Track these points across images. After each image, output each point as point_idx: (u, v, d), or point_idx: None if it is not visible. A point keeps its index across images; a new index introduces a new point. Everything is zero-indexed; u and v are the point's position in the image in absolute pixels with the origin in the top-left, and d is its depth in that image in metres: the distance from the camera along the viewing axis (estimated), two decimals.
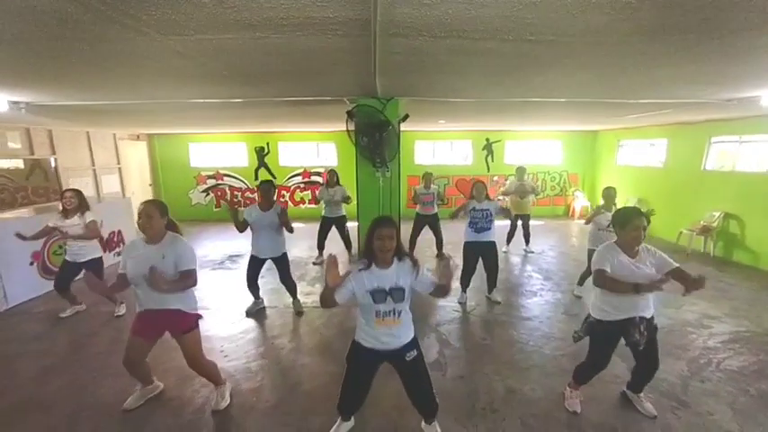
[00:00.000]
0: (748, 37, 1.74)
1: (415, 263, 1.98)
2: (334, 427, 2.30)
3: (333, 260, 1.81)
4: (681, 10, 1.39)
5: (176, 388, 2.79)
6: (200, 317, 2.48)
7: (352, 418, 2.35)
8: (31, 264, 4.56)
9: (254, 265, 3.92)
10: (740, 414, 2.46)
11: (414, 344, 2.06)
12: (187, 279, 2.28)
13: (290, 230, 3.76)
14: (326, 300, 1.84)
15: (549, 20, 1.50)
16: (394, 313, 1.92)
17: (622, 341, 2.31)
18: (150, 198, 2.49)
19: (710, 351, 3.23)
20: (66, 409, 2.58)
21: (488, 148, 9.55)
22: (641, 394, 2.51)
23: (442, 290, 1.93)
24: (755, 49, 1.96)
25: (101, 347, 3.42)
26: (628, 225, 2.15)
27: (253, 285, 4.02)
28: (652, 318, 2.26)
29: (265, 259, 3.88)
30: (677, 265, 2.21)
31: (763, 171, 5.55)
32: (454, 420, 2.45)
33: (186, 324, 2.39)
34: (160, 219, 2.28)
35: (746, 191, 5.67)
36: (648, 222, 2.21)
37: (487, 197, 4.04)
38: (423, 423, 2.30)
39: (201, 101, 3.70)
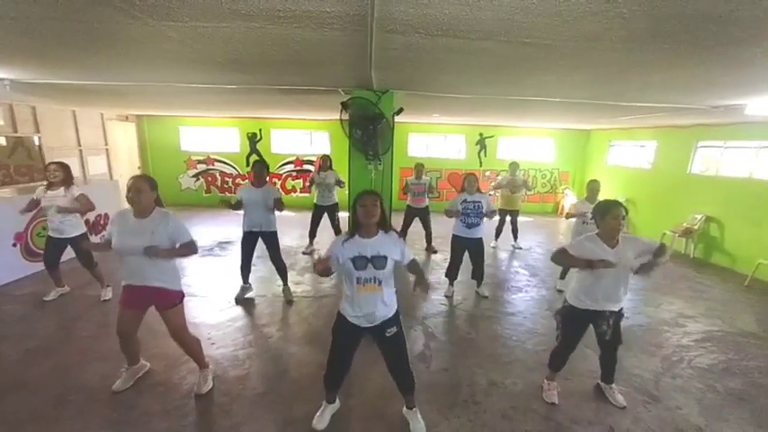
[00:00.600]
0: (734, 49, 1.79)
1: (399, 235, 2.09)
2: (320, 410, 2.37)
3: (321, 261, 1.93)
4: (670, 22, 1.42)
5: (163, 373, 2.81)
6: (182, 295, 2.52)
7: (337, 400, 2.43)
8: (14, 245, 4.47)
9: (248, 242, 3.95)
10: (707, 409, 2.60)
11: (394, 320, 2.15)
12: (189, 248, 2.41)
13: (280, 209, 3.83)
14: (321, 272, 1.95)
15: (543, 25, 1.52)
16: (374, 280, 2.00)
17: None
18: (140, 174, 2.49)
19: (683, 349, 3.37)
20: (51, 392, 2.58)
21: (481, 143, 9.59)
22: (613, 385, 2.65)
23: (417, 281, 2.04)
24: (741, 61, 2.02)
25: (86, 331, 3.40)
26: (607, 215, 2.25)
27: (246, 267, 4.03)
28: (620, 310, 2.46)
29: (258, 234, 3.90)
30: (660, 242, 2.36)
31: (745, 176, 5.72)
32: (437, 411, 2.53)
33: (169, 301, 2.44)
34: (150, 192, 2.30)
35: (728, 195, 5.85)
36: (627, 212, 2.33)
37: (479, 190, 4.09)
38: (404, 408, 2.38)
39: (193, 86, 3.63)
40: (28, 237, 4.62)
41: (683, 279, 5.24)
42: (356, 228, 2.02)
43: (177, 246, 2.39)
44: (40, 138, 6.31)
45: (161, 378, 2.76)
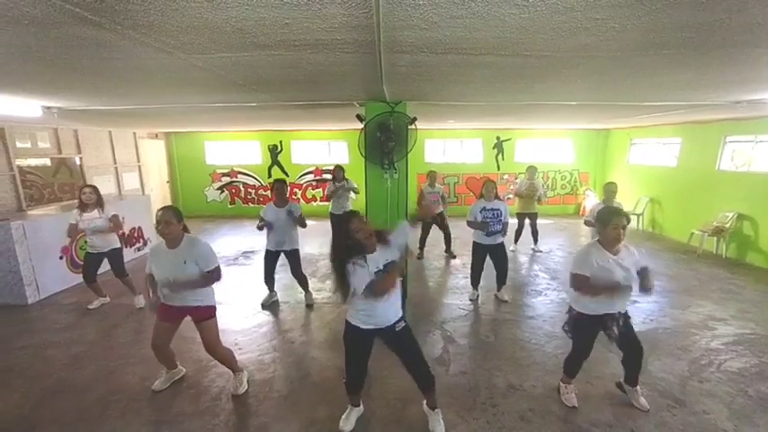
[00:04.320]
0: (733, 51, 1.79)
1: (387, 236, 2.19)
2: (345, 413, 2.46)
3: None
4: (663, 31, 1.46)
5: (194, 376, 3.00)
6: (215, 309, 2.69)
7: (362, 404, 2.52)
8: (61, 258, 4.85)
9: (270, 259, 4.17)
10: (736, 414, 2.52)
11: (401, 317, 2.25)
12: (212, 276, 2.54)
13: (303, 226, 4.05)
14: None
15: (540, 40, 1.59)
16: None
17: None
18: (167, 204, 2.68)
19: (712, 352, 3.27)
20: (96, 393, 2.81)
21: (498, 146, 9.55)
22: (637, 387, 2.60)
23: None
24: (746, 62, 2.01)
25: (125, 337, 3.66)
26: (608, 225, 2.26)
27: (269, 279, 4.27)
28: (626, 311, 2.44)
29: (279, 253, 4.10)
30: (645, 264, 2.34)
31: None
32: (455, 413, 2.58)
33: (204, 314, 2.62)
34: (177, 224, 2.47)
35: (761, 191, 5.59)
36: (628, 222, 2.32)
37: (497, 197, 4.10)
38: (425, 407, 2.44)
39: (217, 105, 3.88)
40: (72, 250, 5.00)
41: (713, 280, 5.04)
42: (358, 250, 2.05)
43: (203, 270, 2.50)
44: (81, 158, 6.81)
45: (192, 381, 2.95)
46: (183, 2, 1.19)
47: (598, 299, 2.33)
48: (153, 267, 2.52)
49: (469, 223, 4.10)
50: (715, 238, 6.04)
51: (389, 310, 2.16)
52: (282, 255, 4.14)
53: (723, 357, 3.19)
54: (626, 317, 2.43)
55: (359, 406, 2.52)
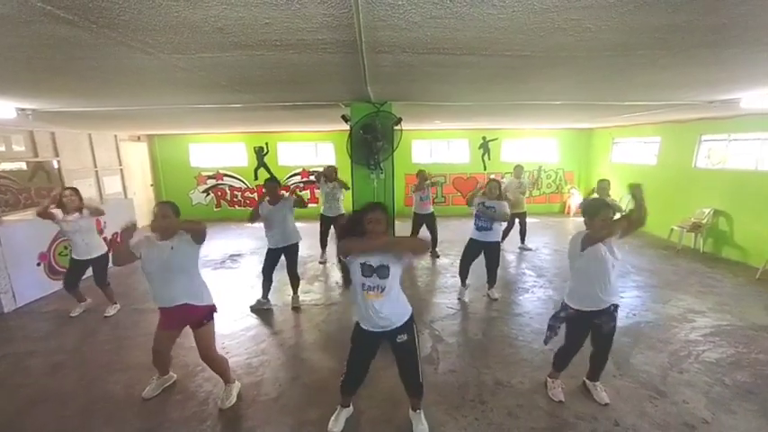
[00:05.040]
0: (708, 52, 1.86)
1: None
2: (335, 414, 2.45)
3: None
4: (636, 32, 1.52)
5: (181, 382, 2.94)
6: (213, 308, 2.63)
7: (351, 405, 2.51)
8: (38, 264, 4.70)
9: (271, 257, 4.12)
10: (714, 402, 2.61)
11: (405, 328, 2.21)
12: (199, 223, 2.47)
13: (303, 206, 4.13)
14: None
15: (519, 40, 1.63)
16: (378, 288, 2.09)
17: None
18: (164, 199, 2.63)
19: (691, 344, 3.37)
20: (79, 402, 2.73)
21: (485, 146, 9.66)
22: (598, 383, 2.68)
23: None
24: (722, 62, 2.09)
25: (107, 345, 3.57)
26: (596, 217, 2.31)
27: (267, 279, 4.19)
28: (617, 305, 2.47)
29: (281, 250, 4.08)
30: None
31: (752, 168, 5.67)
32: (444, 411, 2.59)
33: (200, 315, 2.55)
34: (173, 217, 2.43)
35: (735, 188, 5.80)
36: (614, 213, 2.37)
37: (498, 197, 4.10)
38: (410, 411, 2.45)
39: (200, 106, 3.83)
40: (51, 256, 4.85)
41: (692, 274, 5.21)
42: (362, 236, 2.07)
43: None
44: (59, 161, 6.62)
45: (179, 387, 2.89)
46: (159, 0, 1.17)
47: (588, 293, 2.39)
48: (142, 255, 2.41)
49: (468, 199, 4.32)
50: (693, 234, 6.23)
51: (375, 309, 2.12)
52: (283, 255, 4.11)
53: (701, 348, 3.30)
54: (614, 310, 2.45)
55: (348, 407, 2.51)
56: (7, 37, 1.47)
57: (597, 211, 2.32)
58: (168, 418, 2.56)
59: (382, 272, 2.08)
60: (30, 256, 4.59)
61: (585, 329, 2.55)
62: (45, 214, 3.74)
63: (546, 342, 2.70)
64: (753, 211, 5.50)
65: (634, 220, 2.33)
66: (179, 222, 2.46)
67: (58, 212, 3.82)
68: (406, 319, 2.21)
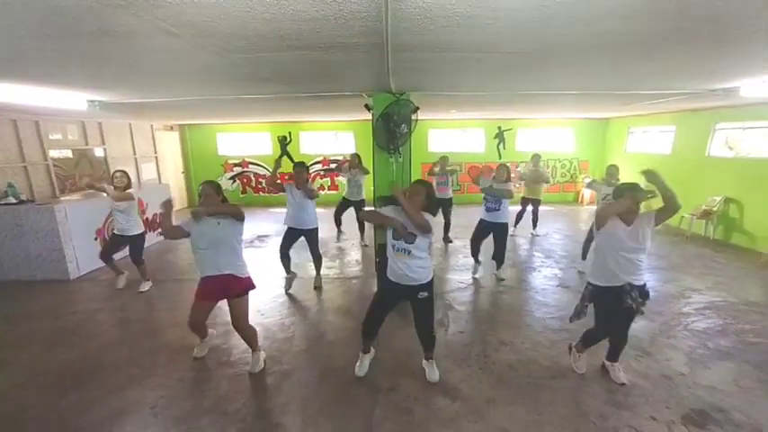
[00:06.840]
0: (699, 47, 2.14)
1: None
2: (359, 360, 2.89)
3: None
4: (631, 35, 1.82)
5: (221, 336, 3.42)
6: (251, 283, 2.86)
7: (372, 349, 2.94)
8: (95, 239, 5.33)
9: (288, 237, 4.35)
10: (693, 361, 2.93)
11: (427, 287, 2.60)
12: (237, 208, 2.79)
13: (312, 196, 4.26)
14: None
15: (517, 39, 1.96)
16: (405, 251, 2.50)
17: None
18: (208, 180, 2.97)
19: (683, 316, 3.66)
20: (145, 347, 3.28)
21: (500, 136, 9.77)
22: (616, 364, 2.75)
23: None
24: (721, 56, 2.35)
25: (161, 306, 4.13)
26: (623, 197, 2.42)
27: (285, 257, 4.40)
28: (644, 285, 2.49)
29: (299, 232, 4.31)
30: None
31: (764, 156, 5.75)
32: (452, 362, 3.01)
33: (240, 288, 2.80)
34: (215, 196, 2.80)
35: (747, 176, 5.89)
36: (646, 197, 2.40)
37: (507, 180, 4.45)
38: (423, 360, 2.86)
39: (241, 97, 4.29)
40: (105, 232, 5.47)
41: (698, 258, 5.40)
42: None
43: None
44: (105, 149, 7.26)
45: (220, 340, 3.36)
46: (243, 18, 1.58)
47: (606, 269, 2.45)
48: (192, 231, 2.70)
49: (476, 179, 4.63)
50: (703, 221, 6.37)
51: (402, 267, 2.50)
52: (303, 237, 4.35)
53: (692, 320, 3.58)
54: (642, 290, 2.47)
55: (369, 352, 2.93)
56: (69, 30, 1.63)
57: (623, 191, 2.44)
58: (219, 361, 3.08)
59: (409, 238, 2.48)
60: (89, 231, 5.22)
61: (611, 306, 2.52)
62: (96, 187, 4.27)
63: (571, 320, 2.75)
64: (764, 198, 5.60)
65: (666, 206, 2.33)
66: (219, 207, 2.73)
67: (109, 188, 4.25)
68: (428, 279, 2.61)
